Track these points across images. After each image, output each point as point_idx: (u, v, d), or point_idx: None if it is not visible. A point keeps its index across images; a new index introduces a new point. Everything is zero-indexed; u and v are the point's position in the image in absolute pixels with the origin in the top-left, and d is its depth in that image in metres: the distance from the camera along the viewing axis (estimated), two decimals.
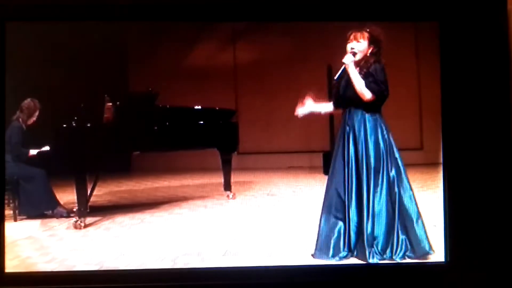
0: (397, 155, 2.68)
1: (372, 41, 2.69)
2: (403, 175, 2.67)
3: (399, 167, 2.67)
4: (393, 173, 2.66)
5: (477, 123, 2.46)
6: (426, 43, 2.63)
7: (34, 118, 3.06)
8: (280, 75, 3.13)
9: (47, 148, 3.16)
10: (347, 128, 2.70)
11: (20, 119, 3.04)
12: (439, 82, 2.51)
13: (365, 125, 2.69)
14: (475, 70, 2.46)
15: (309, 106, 2.80)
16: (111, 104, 3.18)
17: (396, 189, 2.65)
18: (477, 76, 2.46)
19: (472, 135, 2.46)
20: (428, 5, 2.50)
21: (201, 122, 3.40)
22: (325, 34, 2.77)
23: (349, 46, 2.70)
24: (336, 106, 2.80)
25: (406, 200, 2.66)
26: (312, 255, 2.69)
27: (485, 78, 2.46)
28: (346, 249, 2.65)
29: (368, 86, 2.67)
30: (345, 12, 2.52)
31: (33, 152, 3.15)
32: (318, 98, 2.81)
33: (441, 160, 2.51)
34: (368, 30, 2.68)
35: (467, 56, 2.46)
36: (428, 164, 2.90)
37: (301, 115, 2.79)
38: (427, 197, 2.82)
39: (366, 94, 2.67)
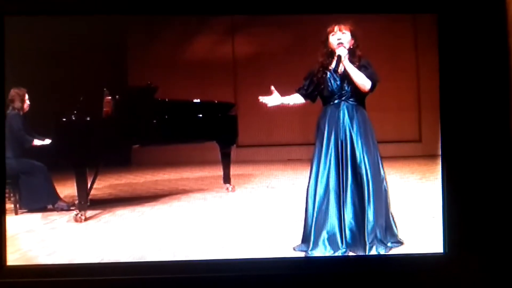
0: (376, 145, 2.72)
1: (353, 34, 2.70)
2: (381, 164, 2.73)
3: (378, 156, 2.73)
4: (379, 161, 2.72)
5: (476, 115, 2.46)
6: (425, 35, 2.62)
7: (27, 102, 2.99)
8: (279, 68, 3.13)
9: (47, 142, 3.16)
10: (339, 121, 2.70)
11: (16, 109, 2.99)
12: (438, 75, 2.50)
13: (357, 117, 2.70)
14: (474, 63, 2.45)
15: (276, 97, 2.81)
16: (110, 97, 3.18)
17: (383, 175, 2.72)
18: (476, 69, 2.45)
19: (470, 127, 2.46)
20: None
21: (200, 115, 3.39)
22: (324, 26, 2.76)
23: (334, 38, 2.70)
24: (312, 99, 2.80)
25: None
26: (305, 251, 2.68)
27: (484, 70, 2.45)
28: (344, 245, 2.66)
29: (368, 76, 2.67)
30: (344, 4, 2.52)
31: (37, 142, 3.15)
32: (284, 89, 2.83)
33: (439, 152, 2.51)
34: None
35: (466, 49, 2.46)
36: (426, 156, 2.91)
37: (271, 106, 2.81)
38: (426, 189, 2.83)
39: (367, 84, 2.67)
